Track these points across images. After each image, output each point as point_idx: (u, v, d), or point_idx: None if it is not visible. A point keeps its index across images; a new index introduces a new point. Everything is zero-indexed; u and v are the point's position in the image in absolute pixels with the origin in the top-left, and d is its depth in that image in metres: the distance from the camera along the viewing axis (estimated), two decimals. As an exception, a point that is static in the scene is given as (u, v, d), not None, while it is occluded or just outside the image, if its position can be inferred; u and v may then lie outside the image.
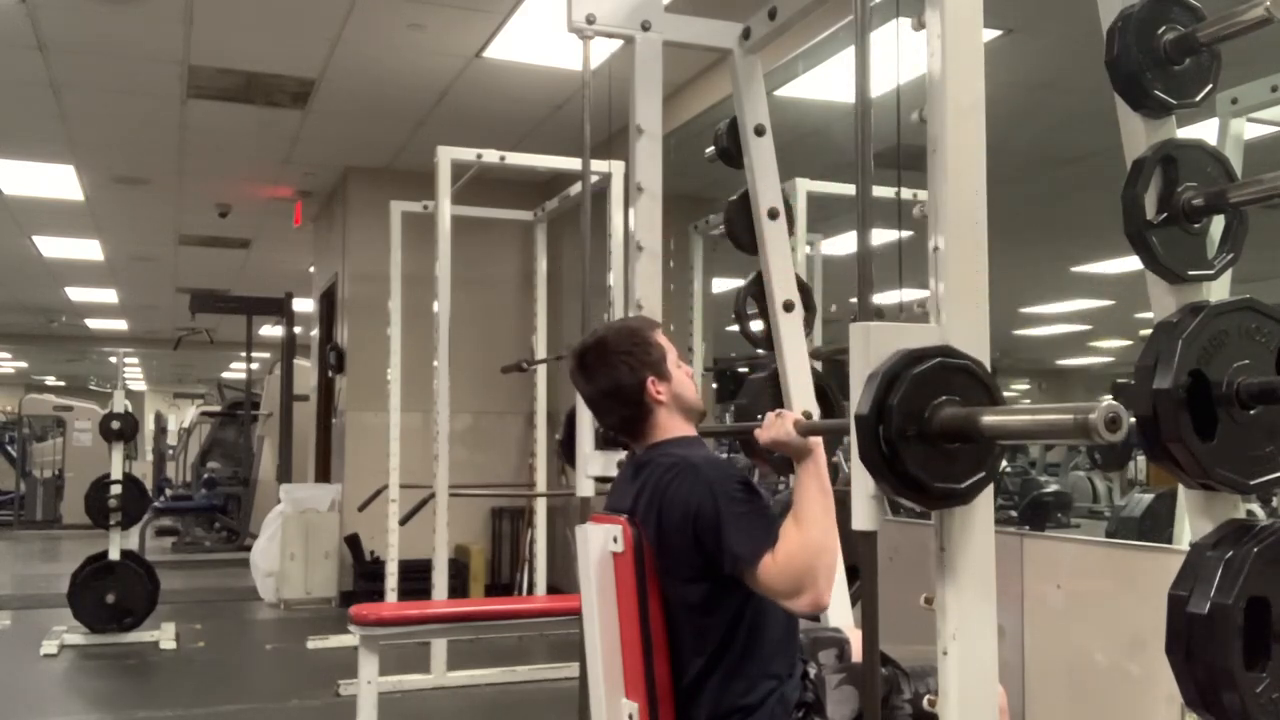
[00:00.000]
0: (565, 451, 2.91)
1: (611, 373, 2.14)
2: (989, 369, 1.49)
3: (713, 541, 1.94)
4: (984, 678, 1.50)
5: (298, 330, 11.28)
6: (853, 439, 1.47)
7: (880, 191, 1.80)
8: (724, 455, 6.00)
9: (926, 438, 1.43)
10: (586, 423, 2.70)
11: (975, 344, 1.52)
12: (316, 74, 5.99)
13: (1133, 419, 1.35)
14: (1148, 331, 1.53)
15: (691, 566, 1.99)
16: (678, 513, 1.99)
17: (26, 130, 7.07)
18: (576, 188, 5.53)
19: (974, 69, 1.58)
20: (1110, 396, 1.25)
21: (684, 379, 2.21)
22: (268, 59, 5.81)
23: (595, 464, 2.70)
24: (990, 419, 1.40)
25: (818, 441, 2.02)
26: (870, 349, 1.47)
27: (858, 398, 1.46)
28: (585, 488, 2.71)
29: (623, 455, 2.48)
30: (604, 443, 2.68)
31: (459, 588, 7.03)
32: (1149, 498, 6.13)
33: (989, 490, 1.49)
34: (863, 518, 1.51)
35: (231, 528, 11.95)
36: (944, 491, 1.45)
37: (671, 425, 2.16)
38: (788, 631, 2.10)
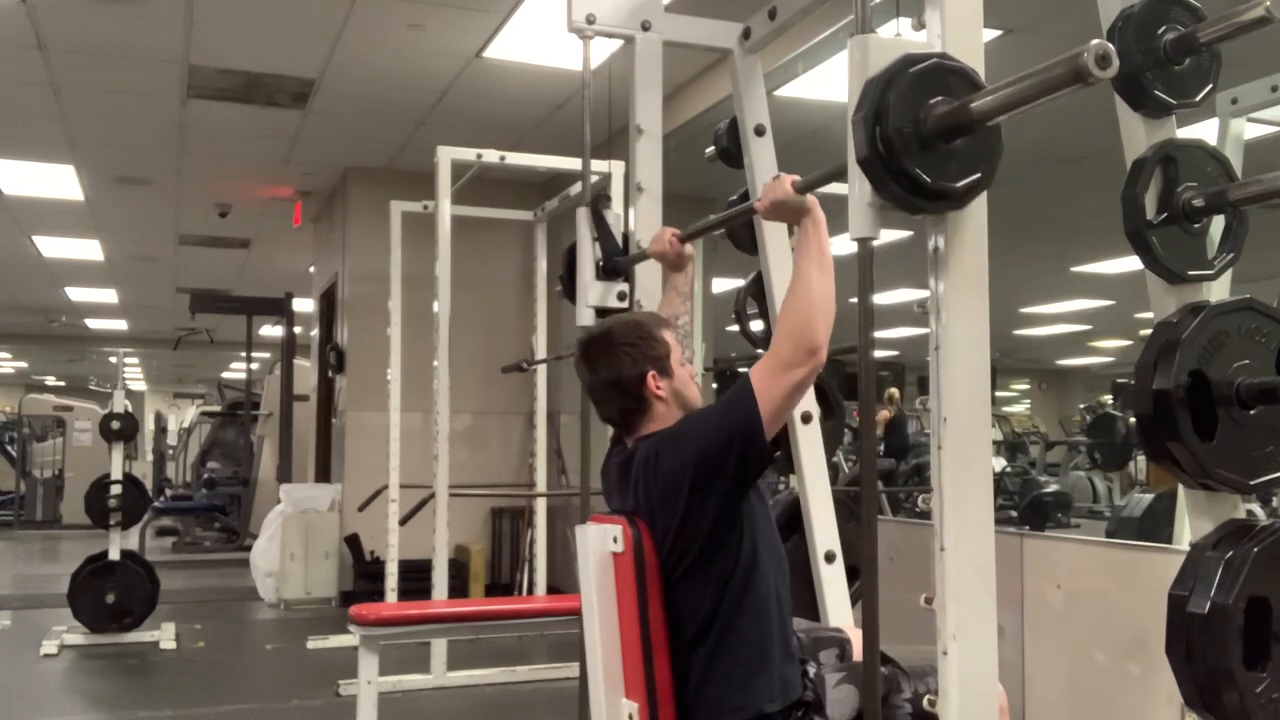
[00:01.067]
0: (565, 286, 2.87)
1: (614, 363, 2.15)
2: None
3: (713, 437, 1.97)
4: (984, 678, 1.50)
5: (298, 330, 11.28)
6: (849, 143, 1.48)
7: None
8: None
9: (923, 137, 1.44)
10: (587, 252, 2.70)
11: (976, 322, 1.54)
12: (316, 74, 5.99)
13: (1133, 419, 1.35)
14: (1148, 331, 1.53)
15: (698, 517, 1.98)
16: (675, 466, 2.01)
17: (26, 130, 7.07)
18: (576, 188, 5.52)
19: (974, 69, 1.58)
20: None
21: (686, 378, 2.21)
22: (268, 59, 5.81)
23: (594, 292, 2.70)
24: (981, 101, 1.41)
25: (815, 201, 2.02)
26: (869, 59, 1.50)
27: (855, 101, 1.48)
28: (584, 316, 2.69)
29: (623, 285, 2.51)
30: (605, 273, 2.69)
31: (459, 588, 7.03)
32: (1149, 498, 6.14)
33: (983, 199, 1.52)
34: (860, 225, 1.53)
35: (231, 528, 11.95)
36: (940, 190, 1.46)
37: (668, 421, 2.16)
38: (786, 632, 2.10)
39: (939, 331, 1.54)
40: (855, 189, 1.51)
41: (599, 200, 2.87)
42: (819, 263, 1.95)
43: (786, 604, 2.10)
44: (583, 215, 2.71)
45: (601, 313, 2.69)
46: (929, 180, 1.44)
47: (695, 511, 1.98)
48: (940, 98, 1.45)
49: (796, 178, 2.02)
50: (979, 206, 1.56)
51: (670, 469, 2.01)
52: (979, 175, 1.48)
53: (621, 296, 2.66)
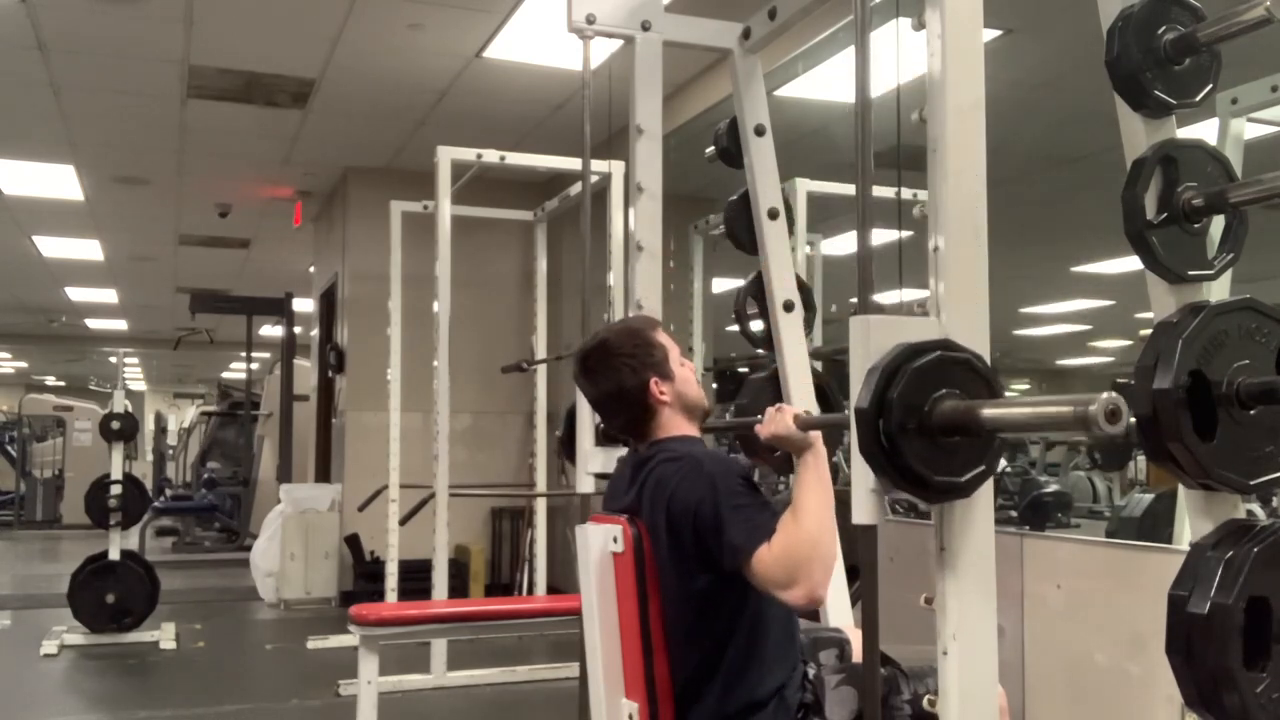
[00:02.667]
0: (566, 448, 2.92)
1: (615, 375, 2.15)
2: (989, 363, 1.49)
3: (713, 536, 1.94)
4: (984, 678, 1.50)
5: (298, 330, 11.28)
6: (853, 433, 1.47)
7: (880, 191, 1.80)
8: (725, 453, 6.00)
9: (926, 431, 1.43)
10: (586, 419, 2.71)
11: (975, 338, 1.52)
12: (316, 74, 5.99)
13: (1133, 419, 1.35)
14: (1148, 331, 1.53)
15: (693, 562, 1.99)
16: (681, 508, 1.99)
17: (26, 130, 7.07)
18: (576, 188, 5.53)
19: (974, 69, 1.58)
20: (1110, 393, 1.24)
21: (687, 377, 2.21)
22: (268, 59, 5.81)
23: (595, 460, 2.71)
24: (990, 411, 1.40)
25: (817, 436, 2.02)
26: (870, 342, 1.47)
27: (858, 391, 1.46)
28: (585, 484, 2.72)
29: (623, 451, 2.49)
30: (604, 439, 2.68)
31: (459, 588, 7.03)
32: (1149, 498, 6.12)
33: (989, 484, 1.49)
34: (863, 512, 1.51)
35: (231, 528, 11.95)
36: (944, 485, 1.45)
37: (675, 424, 2.17)
38: (788, 633, 2.10)
39: (939, 324, 1.54)
40: (858, 474, 1.49)
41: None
42: (819, 497, 1.93)
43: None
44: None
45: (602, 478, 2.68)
46: (933, 476, 1.44)
47: (703, 533, 1.99)
48: (944, 390, 1.44)
49: (800, 412, 2.03)
50: (979, 207, 1.56)
51: (686, 494, 2.00)
52: (984, 468, 1.47)
53: (621, 460, 2.61)
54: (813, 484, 1.95)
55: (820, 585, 1.87)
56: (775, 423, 2.04)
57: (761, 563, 1.87)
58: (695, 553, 1.98)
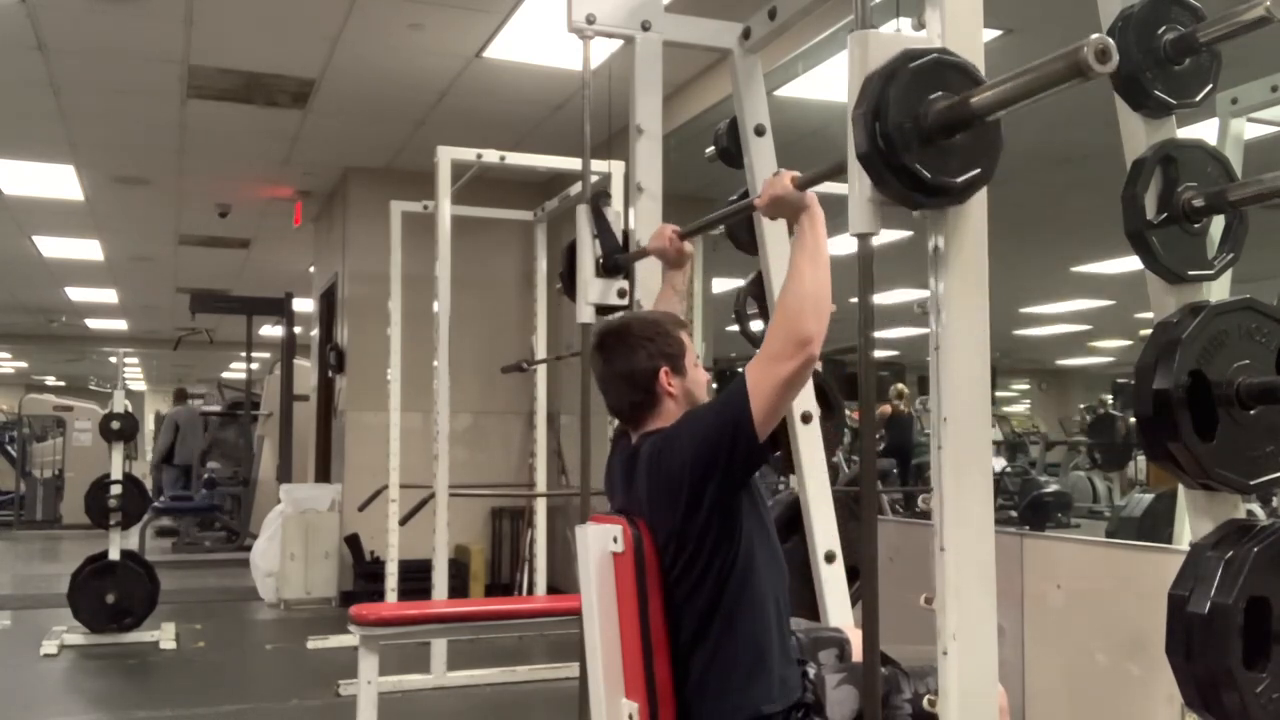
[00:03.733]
0: (566, 284, 2.88)
1: (629, 355, 2.16)
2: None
3: (714, 435, 1.96)
4: (984, 678, 1.50)
5: (298, 330, 11.27)
6: (849, 139, 1.48)
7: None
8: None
9: (923, 133, 1.44)
10: (587, 249, 2.70)
11: (976, 317, 1.54)
12: (316, 74, 5.99)
13: (1133, 419, 1.35)
14: (1148, 331, 1.53)
15: (705, 508, 1.98)
16: (672, 456, 2.02)
17: (26, 130, 7.07)
18: (576, 188, 5.52)
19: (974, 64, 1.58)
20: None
21: (699, 380, 2.22)
22: (268, 59, 5.81)
23: (594, 290, 2.70)
24: (981, 96, 1.41)
25: (813, 197, 2.02)
26: (869, 55, 1.49)
27: (855, 97, 1.47)
28: (585, 314, 2.70)
29: (623, 283, 2.50)
30: (605, 271, 2.69)
31: (459, 588, 7.03)
32: (1149, 498, 6.13)
33: (982, 191, 1.51)
34: (860, 221, 1.52)
35: (231, 528, 11.95)
36: (940, 186, 1.46)
37: (674, 419, 2.17)
38: (784, 633, 2.10)
39: (939, 331, 1.54)
40: (855, 185, 1.50)
41: (599, 198, 2.87)
42: (813, 258, 1.95)
43: (785, 605, 2.10)
44: (583, 213, 2.71)
45: (602, 310, 2.69)
46: (929, 176, 1.44)
47: (693, 510, 1.98)
48: (940, 93, 1.45)
49: (797, 174, 2.02)
50: (979, 205, 1.56)
51: (671, 468, 2.02)
52: (979, 170, 1.47)
53: (622, 294, 2.66)
54: (809, 245, 1.97)
55: (816, 335, 1.90)
56: (773, 185, 2.04)
57: (758, 358, 1.95)
58: (693, 490, 1.98)
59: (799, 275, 1.93)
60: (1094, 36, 1.22)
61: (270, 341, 14.09)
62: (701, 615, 2.02)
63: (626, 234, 2.73)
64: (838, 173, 1.66)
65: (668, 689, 2.02)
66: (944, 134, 1.44)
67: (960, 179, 1.46)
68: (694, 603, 2.02)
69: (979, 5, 1.58)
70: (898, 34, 1.55)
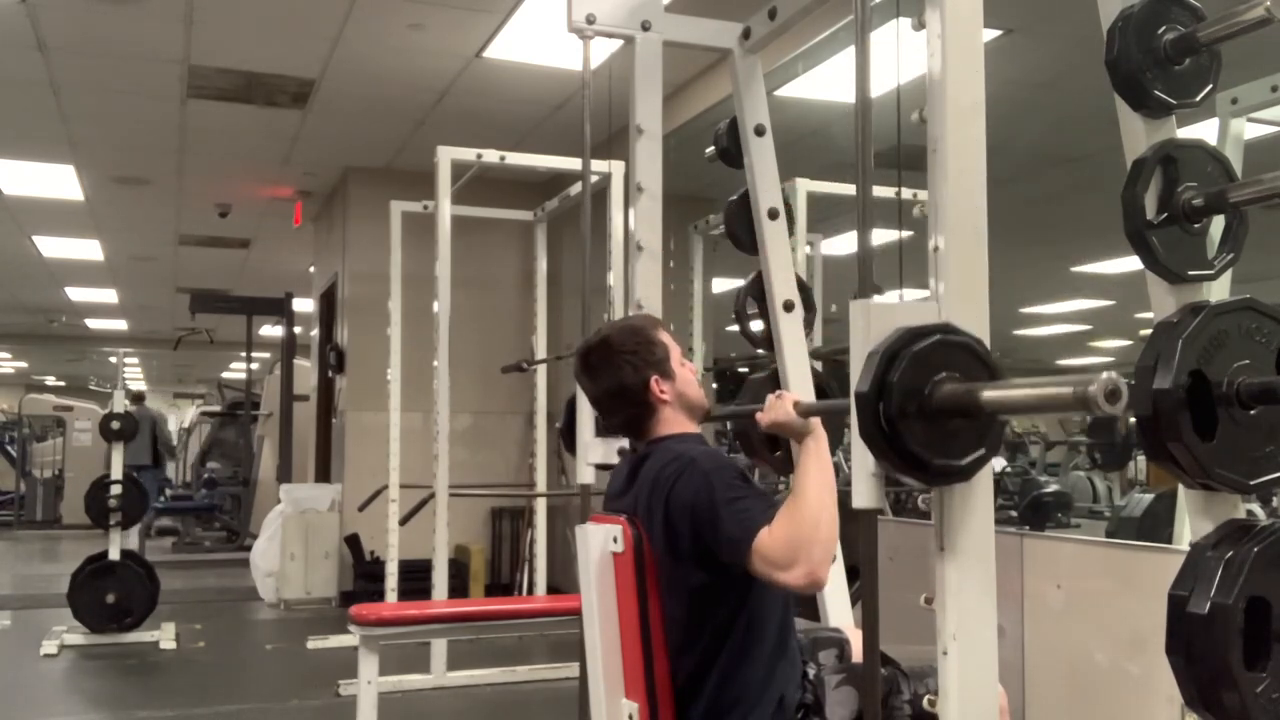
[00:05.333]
0: (566, 439, 2.91)
1: (616, 373, 2.15)
2: (988, 347, 1.49)
3: (710, 531, 1.94)
4: (984, 678, 1.50)
5: (298, 330, 11.27)
6: (853, 417, 1.47)
7: (880, 191, 1.80)
8: (724, 452, 6.01)
9: (926, 414, 1.43)
10: (587, 410, 2.70)
11: (975, 323, 1.52)
12: (316, 74, 5.99)
13: (1133, 419, 1.35)
14: (1148, 331, 1.53)
15: (690, 559, 1.99)
16: (679, 506, 2.00)
17: (26, 130, 7.07)
18: (576, 188, 5.52)
19: (974, 69, 1.58)
20: (1110, 373, 1.23)
21: (688, 377, 2.22)
22: (268, 59, 5.81)
23: (595, 451, 2.70)
24: (990, 394, 1.40)
25: (817, 421, 2.03)
26: (870, 327, 1.48)
27: (858, 375, 1.46)
28: (585, 475, 2.71)
29: (624, 442, 2.49)
30: (604, 430, 2.68)
31: (459, 588, 7.03)
32: (1149, 498, 6.12)
33: (989, 469, 1.49)
34: (863, 495, 1.51)
35: (231, 528, 11.95)
36: (944, 468, 1.45)
37: (675, 423, 2.17)
38: (785, 632, 2.10)
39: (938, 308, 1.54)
40: (859, 458, 1.49)
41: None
42: (819, 480, 1.94)
43: (789, 604, 2.11)
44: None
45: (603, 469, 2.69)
46: (933, 459, 1.43)
47: (695, 557, 1.99)
48: (944, 373, 1.44)
49: (798, 398, 2.04)
50: (979, 205, 1.56)
51: (682, 492, 2.01)
52: (983, 451, 1.47)
53: (622, 452, 2.57)
54: (814, 469, 1.96)
55: (821, 566, 1.87)
56: (775, 409, 2.04)
57: (762, 545, 1.87)
58: (692, 550, 1.98)
59: (808, 499, 1.91)
60: (1104, 375, 1.22)
61: (270, 341, 14.09)
62: (704, 608, 2.02)
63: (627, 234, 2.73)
64: (841, 411, 1.64)
65: (668, 689, 2.02)
66: (948, 416, 1.43)
67: (964, 461, 1.45)
68: (697, 593, 2.02)
69: (979, 5, 1.58)
70: (897, 304, 1.52)
